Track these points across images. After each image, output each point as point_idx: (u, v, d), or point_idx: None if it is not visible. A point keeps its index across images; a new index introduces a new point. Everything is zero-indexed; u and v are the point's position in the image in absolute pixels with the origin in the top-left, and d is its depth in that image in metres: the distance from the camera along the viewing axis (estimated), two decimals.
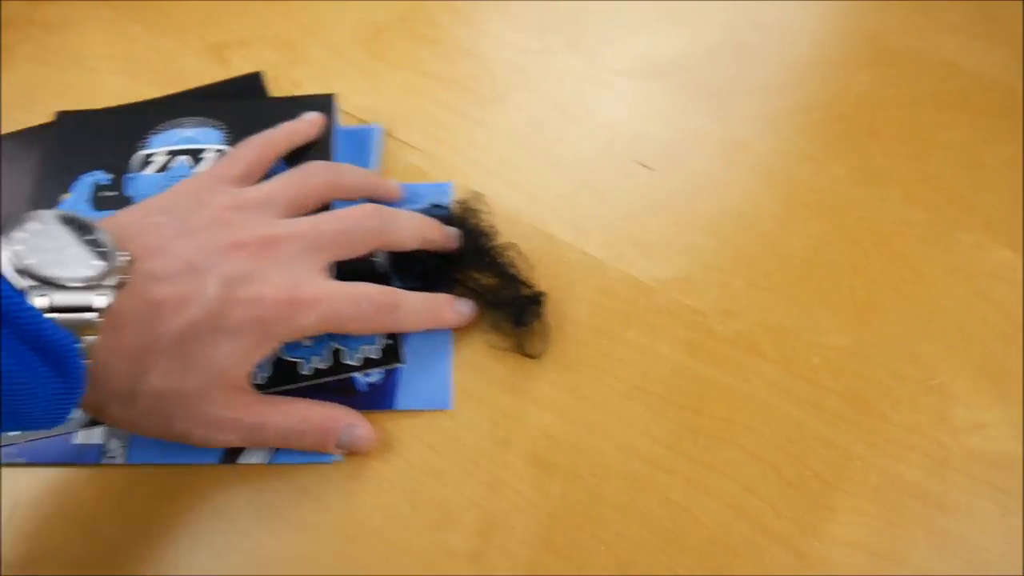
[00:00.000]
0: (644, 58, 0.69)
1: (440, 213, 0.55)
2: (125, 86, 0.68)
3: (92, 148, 0.60)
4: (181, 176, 0.57)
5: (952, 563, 0.44)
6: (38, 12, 0.74)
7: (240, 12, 0.73)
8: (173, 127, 0.62)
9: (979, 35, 0.69)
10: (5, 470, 0.48)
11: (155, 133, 0.62)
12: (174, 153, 0.60)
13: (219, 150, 0.59)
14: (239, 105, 0.64)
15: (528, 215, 0.58)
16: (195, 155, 0.59)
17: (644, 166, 0.61)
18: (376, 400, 0.49)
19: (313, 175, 0.50)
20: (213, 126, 0.62)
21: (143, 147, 0.60)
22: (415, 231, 0.50)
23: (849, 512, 0.46)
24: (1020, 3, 0.71)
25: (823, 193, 0.60)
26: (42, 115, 0.66)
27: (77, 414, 0.39)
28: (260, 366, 0.47)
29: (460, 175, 0.61)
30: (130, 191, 0.57)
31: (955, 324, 0.53)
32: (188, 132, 0.61)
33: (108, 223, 0.44)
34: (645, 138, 0.63)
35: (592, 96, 0.66)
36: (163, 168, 0.58)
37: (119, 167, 0.59)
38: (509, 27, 0.71)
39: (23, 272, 0.38)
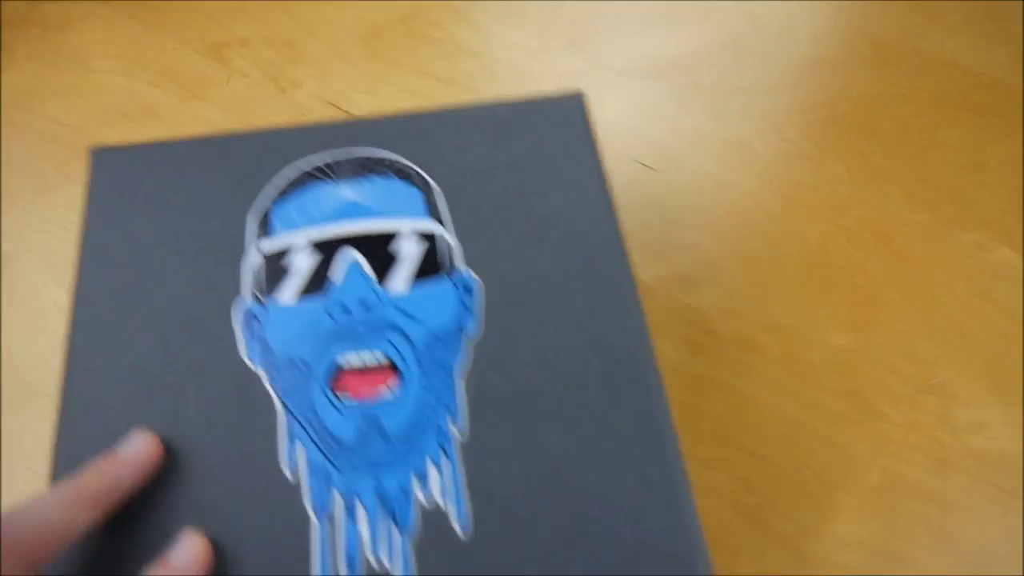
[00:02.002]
0: (644, 58, 0.69)
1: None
2: (125, 85, 0.68)
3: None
4: (318, 316, 0.38)
5: (952, 562, 0.44)
6: (37, 12, 0.74)
7: (240, 12, 0.73)
8: (316, 181, 0.43)
9: (979, 35, 0.69)
10: (5, 470, 0.48)
11: (282, 197, 0.42)
12: (326, 247, 0.40)
13: (424, 234, 0.41)
14: (444, 119, 0.45)
15: None
16: (376, 250, 0.40)
17: (644, 165, 0.61)
18: None
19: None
20: (404, 177, 0.43)
21: (263, 230, 0.41)
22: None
23: (850, 511, 0.46)
24: (1020, 3, 0.71)
25: (823, 193, 0.60)
26: (42, 114, 0.66)
27: None
28: None
29: None
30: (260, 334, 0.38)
31: (955, 324, 0.53)
32: (349, 193, 0.42)
33: None
34: (645, 138, 0.63)
35: (592, 96, 0.66)
36: (306, 288, 0.39)
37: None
38: (509, 27, 0.71)
39: None
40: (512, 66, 0.69)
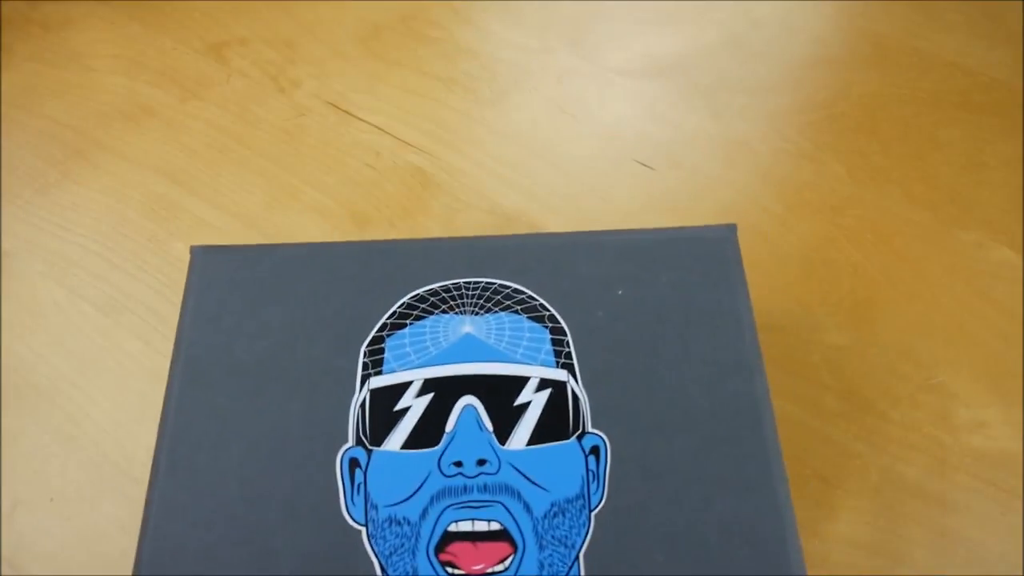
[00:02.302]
0: (644, 58, 0.69)
1: None
2: (125, 85, 0.68)
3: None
4: (428, 470, 0.35)
5: (952, 562, 0.44)
6: (37, 11, 0.74)
7: (240, 12, 0.73)
8: (436, 312, 0.39)
9: (979, 35, 0.70)
10: (5, 470, 0.48)
11: (397, 327, 0.39)
12: (442, 390, 0.37)
13: (550, 382, 0.37)
14: (584, 244, 0.41)
15: (528, 214, 0.58)
16: (497, 398, 0.36)
17: (644, 165, 0.61)
18: None
19: None
20: (534, 316, 0.39)
21: (375, 364, 0.38)
22: None
23: (849, 511, 0.46)
24: (1020, 3, 0.71)
25: (823, 193, 0.60)
26: (41, 114, 0.66)
27: None
28: None
29: (460, 175, 0.61)
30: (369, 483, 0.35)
31: (955, 323, 0.53)
32: (472, 329, 0.38)
33: None
34: (645, 137, 0.63)
35: (592, 96, 0.66)
36: (417, 435, 0.36)
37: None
38: (509, 27, 0.71)
39: None
40: (512, 66, 0.69)
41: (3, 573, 0.45)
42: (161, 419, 0.37)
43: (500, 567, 0.33)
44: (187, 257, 0.58)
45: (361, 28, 0.71)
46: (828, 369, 0.51)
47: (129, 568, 0.45)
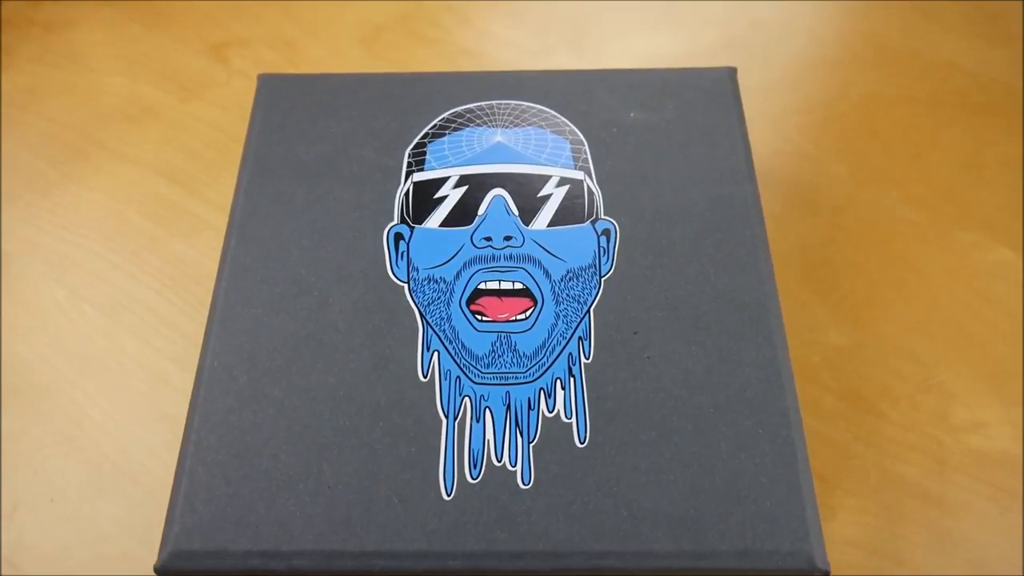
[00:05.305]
0: (644, 58, 0.69)
1: None
2: (125, 85, 0.68)
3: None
4: (462, 242, 0.41)
5: (952, 562, 0.44)
6: (39, 12, 0.74)
7: (240, 12, 0.73)
8: (471, 126, 0.46)
9: (979, 35, 0.70)
10: (5, 470, 0.49)
11: (437, 136, 0.46)
12: (475, 184, 0.43)
13: (568, 180, 0.44)
14: (601, 79, 0.48)
15: None
16: (523, 192, 0.43)
17: None
18: None
19: None
20: (555, 131, 0.46)
21: (417, 164, 0.45)
22: None
23: (849, 511, 0.46)
24: (1020, 3, 0.71)
25: (823, 193, 0.60)
26: (42, 114, 0.66)
27: None
28: None
29: None
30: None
31: (955, 324, 0.53)
32: (502, 138, 0.45)
33: None
34: None
35: None
36: (453, 218, 0.42)
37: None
38: (509, 27, 0.71)
39: None
40: (511, 67, 0.69)
41: (3, 573, 0.45)
42: (231, 207, 0.43)
43: (522, 316, 0.39)
44: (187, 257, 0.58)
45: (361, 28, 0.72)
46: (828, 369, 0.51)
47: (131, 569, 0.45)
